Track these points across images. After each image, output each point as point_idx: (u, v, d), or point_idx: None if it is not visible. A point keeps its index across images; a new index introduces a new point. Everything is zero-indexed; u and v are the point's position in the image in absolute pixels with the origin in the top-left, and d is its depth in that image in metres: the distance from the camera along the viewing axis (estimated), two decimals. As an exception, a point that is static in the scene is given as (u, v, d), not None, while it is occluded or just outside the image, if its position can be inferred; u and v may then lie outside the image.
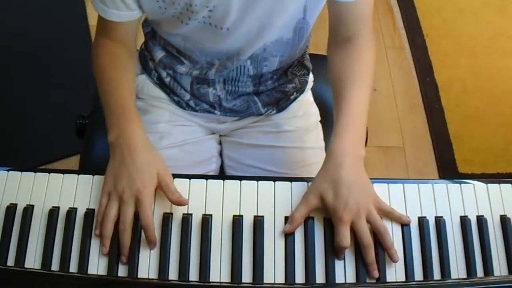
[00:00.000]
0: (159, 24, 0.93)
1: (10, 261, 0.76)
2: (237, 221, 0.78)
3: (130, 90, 0.89)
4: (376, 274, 0.75)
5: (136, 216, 0.77)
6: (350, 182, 0.77)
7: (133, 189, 0.76)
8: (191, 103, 1.02)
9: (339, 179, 0.77)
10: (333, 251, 0.76)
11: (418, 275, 0.76)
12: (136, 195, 0.76)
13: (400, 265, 0.77)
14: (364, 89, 0.87)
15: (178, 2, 0.83)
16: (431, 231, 0.79)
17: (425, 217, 0.80)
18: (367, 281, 0.75)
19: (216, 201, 0.79)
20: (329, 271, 0.75)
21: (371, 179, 0.82)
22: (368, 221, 0.76)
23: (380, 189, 0.81)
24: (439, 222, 0.79)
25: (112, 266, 0.75)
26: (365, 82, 0.88)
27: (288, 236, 0.77)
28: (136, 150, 0.79)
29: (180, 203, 0.78)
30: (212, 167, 1.04)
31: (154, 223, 0.77)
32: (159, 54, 1.00)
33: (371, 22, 0.92)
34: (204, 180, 0.81)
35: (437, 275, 0.76)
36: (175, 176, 0.81)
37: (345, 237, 0.75)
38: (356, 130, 0.83)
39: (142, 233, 0.77)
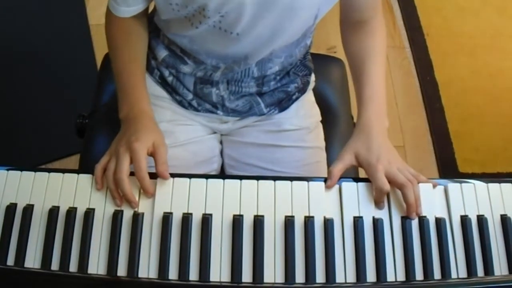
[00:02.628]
0: (168, 25, 0.94)
1: (10, 261, 0.76)
2: (237, 220, 0.78)
3: (142, 68, 0.96)
4: (415, 215, 0.79)
5: (136, 216, 0.77)
6: (380, 143, 0.84)
7: (129, 143, 0.81)
8: (194, 103, 1.02)
9: (370, 140, 0.84)
10: (333, 251, 0.76)
11: (419, 275, 0.76)
12: (130, 147, 0.80)
13: (400, 265, 0.77)
14: (382, 66, 0.95)
15: (192, 5, 0.83)
16: (432, 231, 0.79)
17: (425, 216, 0.79)
18: (367, 280, 0.75)
19: (216, 201, 0.79)
20: (329, 271, 0.75)
21: (371, 178, 0.83)
22: None
23: (380, 188, 0.81)
24: (440, 222, 0.79)
25: (112, 266, 0.75)
26: (381, 58, 0.96)
27: (288, 236, 0.77)
28: (141, 121, 0.86)
29: (162, 175, 0.80)
30: (214, 167, 1.05)
31: (154, 222, 0.77)
32: (162, 53, 1.00)
33: (380, 5, 0.98)
34: (204, 180, 0.81)
35: (437, 274, 0.76)
36: (176, 175, 0.81)
37: (385, 182, 0.79)
38: (379, 102, 0.90)
39: (143, 233, 0.77)
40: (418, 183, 0.81)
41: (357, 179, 0.83)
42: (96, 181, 0.80)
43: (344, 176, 0.83)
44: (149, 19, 1.04)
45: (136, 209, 0.79)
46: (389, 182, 0.80)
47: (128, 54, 0.94)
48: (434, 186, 0.82)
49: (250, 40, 0.88)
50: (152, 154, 0.82)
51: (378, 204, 0.80)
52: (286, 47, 0.95)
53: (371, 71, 0.93)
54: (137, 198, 0.79)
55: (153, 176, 0.81)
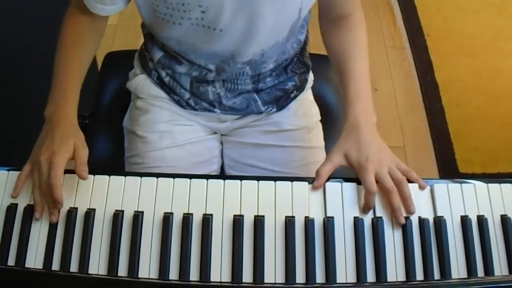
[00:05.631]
0: (154, 28, 0.94)
1: (11, 261, 0.76)
2: (237, 221, 0.78)
3: (81, 72, 0.93)
4: (402, 220, 0.79)
5: (135, 217, 0.77)
6: (369, 143, 0.84)
7: (49, 152, 0.80)
8: (191, 102, 1.02)
9: (360, 140, 0.84)
10: (333, 251, 0.76)
11: (419, 275, 0.76)
12: (50, 157, 0.80)
13: (400, 265, 0.77)
14: (365, 61, 0.94)
15: (170, 1, 0.83)
16: (432, 231, 0.79)
17: (425, 217, 0.79)
18: (368, 280, 0.75)
19: (217, 201, 0.79)
20: (330, 271, 0.75)
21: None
22: (388, 173, 0.81)
23: (380, 189, 0.81)
24: (440, 222, 0.79)
25: (112, 266, 0.75)
26: (364, 54, 0.95)
27: (289, 236, 0.77)
28: (62, 125, 0.85)
29: (80, 175, 0.80)
30: (214, 168, 1.05)
31: (155, 222, 0.77)
32: (158, 54, 1.00)
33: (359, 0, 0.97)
34: (205, 180, 0.81)
35: (437, 274, 0.76)
36: (176, 176, 0.81)
37: (372, 184, 0.79)
38: (365, 99, 0.89)
39: (143, 233, 0.77)
40: (409, 180, 0.81)
41: (357, 179, 0.83)
42: (15, 188, 0.80)
43: (345, 177, 0.83)
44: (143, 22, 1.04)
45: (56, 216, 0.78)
46: (378, 183, 0.80)
47: (71, 57, 0.92)
48: (422, 188, 0.82)
49: (234, 35, 0.88)
50: (73, 158, 0.82)
51: (366, 206, 0.80)
52: (276, 46, 0.94)
53: (354, 68, 0.92)
54: (120, 198, 0.79)
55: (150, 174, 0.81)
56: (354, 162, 0.82)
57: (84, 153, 0.83)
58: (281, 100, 1.04)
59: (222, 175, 1.05)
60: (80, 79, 0.92)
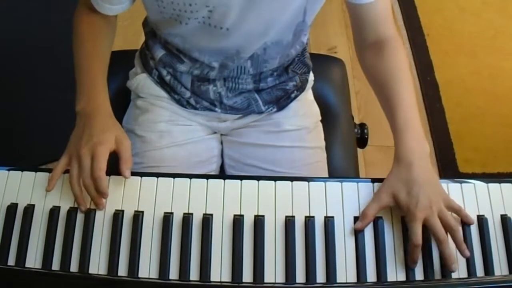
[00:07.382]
0: (159, 25, 0.94)
1: (11, 261, 0.76)
2: (237, 220, 0.78)
3: (103, 63, 0.93)
4: (455, 267, 0.76)
5: (135, 217, 0.77)
6: (421, 182, 0.79)
7: (90, 144, 0.80)
8: (192, 101, 1.03)
9: (411, 179, 0.79)
10: (333, 251, 0.76)
11: (419, 275, 0.76)
12: (92, 149, 0.79)
13: (400, 264, 0.77)
14: (409, 85, 0.89)
15: (177, 2, 0.83)
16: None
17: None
18: (368, 280, 0.75)
19: (217, 201, 0.80)
20: (330, 271, 0.75)
21: (372, 179, 0.83)
22: (439, 218, 0.77)
23: (380, 188, 0.81)
24: (440, 222, 0.79)
25: (112, 266, 0.75)
26: (407, 78, 0.90)
27: (289, 236, 0.77)
28: (99, 117, 0.84)
29: (123, 173, 0.80)
30: (213, 167, 1.05)
31: (155, 222, 0.78)
32: (159, 52, 1.00)
33: (392, 18, 0.93)
34: (205, 180, 0.81)
35: (437, 274, 0.76)
36: (176, 175, 0.81)
37: (418, 236, 0.75)
38: (415, 127, 0.84)
39: (143, 233, 0.77)
40: (461, 220, 0.79)
41: (358, 179, 0.83)
42: (50, 181, 0.80)
43: (346, 177, 0.83)
44: (145, 21, 1.04)
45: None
46: (428, 228, 0.77)
47: (92, 48, 0.92)
48: (469, 224, 0.79)
49: (241, 34, 0.88)
50: (115, 151, 0.82)
51: (412, 260, 0.76)
52: (279, 48, 0.94)
53: (399, 93, 0.87)
54: (121, 198, 0.80)
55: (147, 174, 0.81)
56: (404, 205, 0.78)
57: (128, 146, 0.83)
58: (282, 100, 1.04)
59: (222, 175, 1.06)
60: (104, 71, 0.92)
